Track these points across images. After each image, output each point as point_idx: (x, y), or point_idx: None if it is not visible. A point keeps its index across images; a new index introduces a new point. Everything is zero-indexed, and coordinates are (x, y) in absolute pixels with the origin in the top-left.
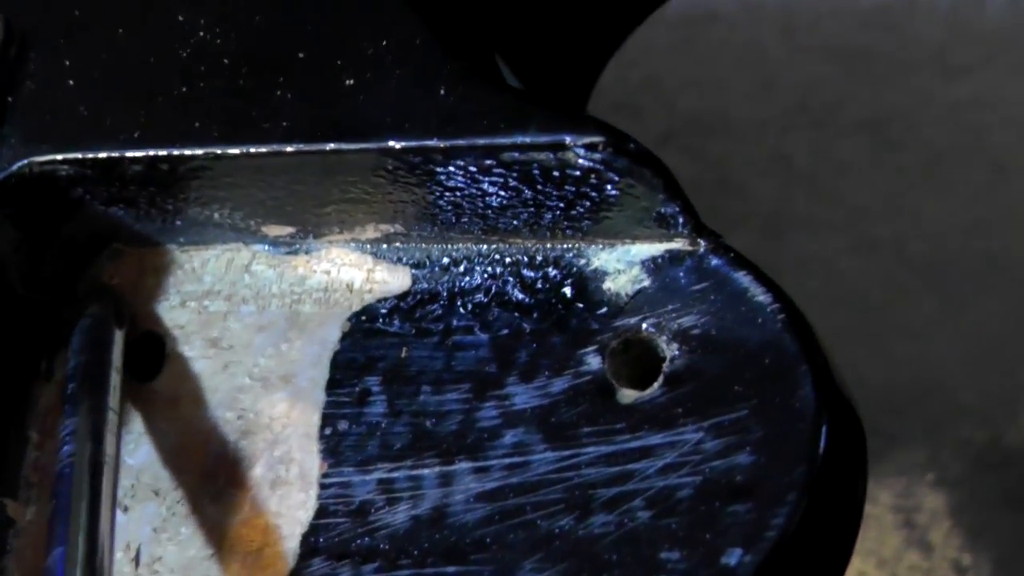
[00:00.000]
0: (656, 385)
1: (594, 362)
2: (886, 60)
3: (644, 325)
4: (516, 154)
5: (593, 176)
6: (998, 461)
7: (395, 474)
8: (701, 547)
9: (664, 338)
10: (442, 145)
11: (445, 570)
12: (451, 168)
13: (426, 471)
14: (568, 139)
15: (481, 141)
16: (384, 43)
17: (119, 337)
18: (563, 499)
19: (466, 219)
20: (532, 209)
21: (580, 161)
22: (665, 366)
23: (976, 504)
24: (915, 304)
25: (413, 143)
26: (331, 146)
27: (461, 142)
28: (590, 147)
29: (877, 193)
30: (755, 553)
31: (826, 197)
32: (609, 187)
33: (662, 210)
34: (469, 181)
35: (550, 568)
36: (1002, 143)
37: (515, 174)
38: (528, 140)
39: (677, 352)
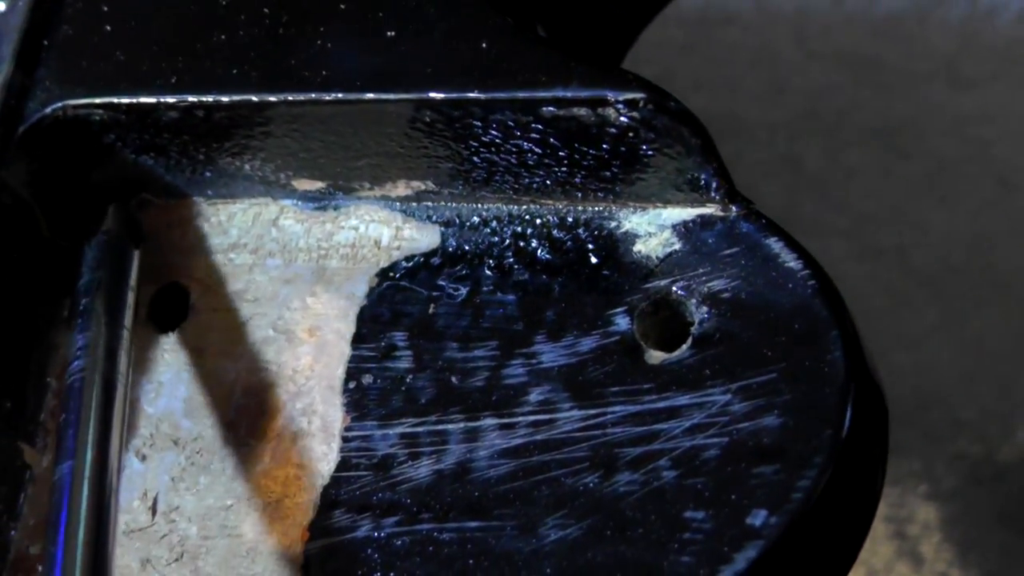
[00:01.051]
0: (685, 347)
1: (623, 323)
2: (897, 70)
3: (674, 288)
4: (556, 109)
5: (631, 134)
6: (991, 476)
7: (419, 429)
8: (726, 507)
9: (694, 301)
10: (482, 97)
11: (467, 524)
12: (489, 122)
13: (450, 426)
14: (610, 95)
15: (522, 94)
16: None
17: (135, 256)
18: (588, 457)
19: (498, 177)
20: (565, 169)
21: (620, 119)
22: (694, 328)
23: (968, 518)
24: (916, 314)
25: (453, 95)
26: (370, 96)
27: (501, 95)
28: (631, 103)
29: (883, 201)
30: (780, 515)
31: (833, 203)
32: (645, 147)
33: (696, 174)
34: (505, 137)
35: (573, 524)
36: (1008, 157)
37: (552, 131)
38: (569, 95)
39: (706, 315)
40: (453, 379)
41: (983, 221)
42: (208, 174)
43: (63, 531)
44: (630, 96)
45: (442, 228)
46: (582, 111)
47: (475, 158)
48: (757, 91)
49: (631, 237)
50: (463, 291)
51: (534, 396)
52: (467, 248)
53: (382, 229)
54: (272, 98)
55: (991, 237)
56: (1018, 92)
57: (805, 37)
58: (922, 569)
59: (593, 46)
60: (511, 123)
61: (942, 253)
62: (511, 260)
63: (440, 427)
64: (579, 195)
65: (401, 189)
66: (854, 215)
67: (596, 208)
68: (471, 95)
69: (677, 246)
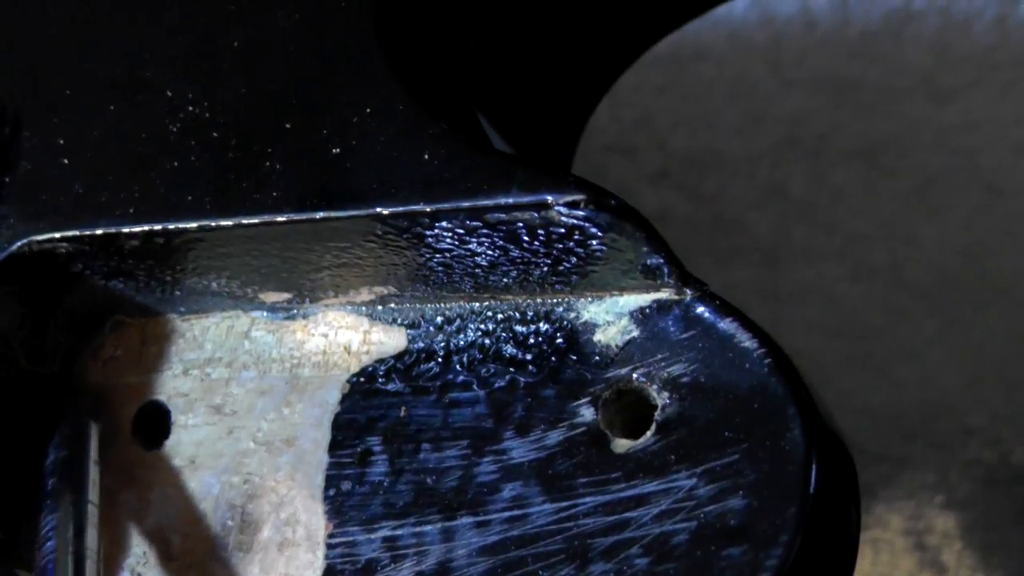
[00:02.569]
0: (649, 433)
1: (587, 413)
2: (875, 88)
3: (635, 375)
4: (500, 215)
5: (577, 232)
6: (1008, 479)
7: (399, 531)
8: None
9: (655, 387)
10: (428, 209)
11: None
12: (438, 230)
13: (429, 527)
14: (550, 198)
15: (465, 203)
16: (368, 109)
17: (95, 431)
18: (563, 549)
19: (457, 278)
20: (521, 266)
21: (563, 219)
22: (657, 414)
23: (987, 523)
24: (916, 328)
25: (400, 208)
26: (321, 214)
27: (446, 205)
28: (571, 204)
29: (873, 220)
30: None
31: (822, 226)
32: (594, 242)
33: (647, 262)
34: (457, 242)
35: None
36: (994, 164)
37: (501, 234)
38: (511, 201)
39: (668, 400)
40: (428, 480)
41: (975, 229)
42: (178, 292)
43: None
44: (570, 198)
45: (408, 330)
46: (525, 215)
47: (431, 263)
48: (736, 123)
49: (590, 327)
50: (433, 391)
51: (507, 492)
52: (434, 347)
53: (351, 335)
54: (226, 222)
55: (984, 244)
56: (999, 98)
57: (780, 65)
58: None
59: (546, 130)
60: (460, 230)
61: (936, 265)
62: (478, 356)
63: (419, 528)
64: (537, 288)
65: (365, 295)
66: (845, 236)
67: (554, 300)
68: (417, 207)
69: (635, 333)
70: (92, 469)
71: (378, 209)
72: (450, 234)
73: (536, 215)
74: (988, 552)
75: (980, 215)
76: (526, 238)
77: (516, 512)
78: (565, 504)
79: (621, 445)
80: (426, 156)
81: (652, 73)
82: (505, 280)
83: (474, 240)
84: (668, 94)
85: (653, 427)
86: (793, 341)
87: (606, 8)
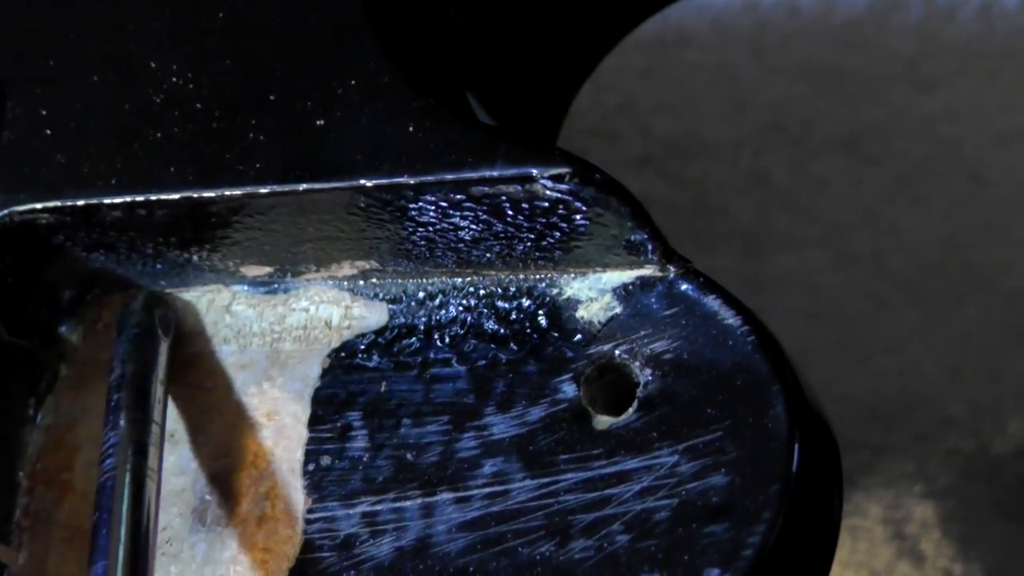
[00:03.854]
0: (631, 410)
1: (569, 389)
2: (858, 76)
3: (617, 351)
4: (484, 188)
5: (561, 206)
6: (987, 469)
7: (378, 507)
8: (680, 568)
9: (637, 363)
10: (412, 181)
11: None
12: (422, 204)
13: (408, 503)
14: (535, 171)
15: (449, 176)
16: (353, 82)
17: (164, 347)
18: (543, 526)
19: (439, 253)
20: (504, 241)
21: (547, 192)
22: (639, 391)
23: (966, 513)
24: (897, 317)
25: (384, 180)
26: (304, 186)
27: (430, 178)
28: (556, 178)
29: (855, 208)
30: (733, 572)
31: (804, 214)
32: (578, 217)
33: (631, 238)
34: (440, 216)
35: None
36: (976, 153)
37: (485, 207)
38: (495, 174)
39: (650, 377)
40: (408, 456)
41: (957, 219)
42: (159, 266)
43: None
44: (555, 171)
45: (390, 305)
46: (510, 188)
47: (414, 237)
48: (719, 109)
49: (573, 303)
50: (414, 366)
51: (487, 468)
52: (415, 323)
53: (332, 309)
54: (209, 194)
55: (966, 234)
56: (982, 88)
57: (764, 51)
58: (924, 567)
59: (532, 108)
60: (444, 203)
61: (918, 254)
62: (459, 332)
63: (398, 504)
64: (520, 264)
65: (347, 269)
66: (827, 224)
67: (537, 276)
68: (401, 180)
69: (618, 310)
70: (158, 388)
71: (362, 181)
72: (433, 207)
73: (521, 188)
74: (966, 543)
75: (962, 204)
76: (510, 212)
77: (497, 488)
78: (546, 480)
79: (603, 422)
80: (411, 128)
81: (635, 57)
82: (488, 255)
83: (457, 214)
84: (651, 79)
85: (635, 404)
86: (774, 328)
87: None
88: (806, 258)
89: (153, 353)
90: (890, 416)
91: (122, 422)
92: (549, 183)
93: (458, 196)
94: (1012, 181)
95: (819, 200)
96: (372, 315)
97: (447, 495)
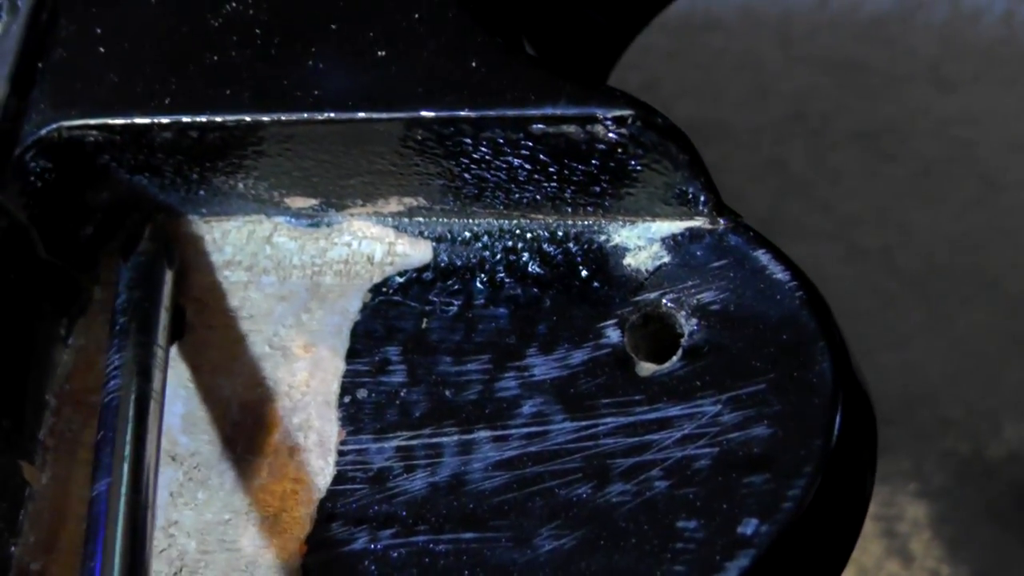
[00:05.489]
0: (675, 358)
1: (613, 335)
2: (880, 73)
3: (664, 300)
4: (545, 126)
5: (619, 150)
6: (980, 473)
7: (414, 442)
8: (718, 517)
9: (683, 313)
10: (472, 116)
11: (462, 536)
12: (479, 140)
13: (445, 439)
14: (598, 112)
15: (511, 112)
16: (416, 15)
17: (169, 276)
18: (581, 468)
19: (489, 193)
20: (555, 184)
21: (608, 135)
22: (684, 340)
23: (957, 515)
24: (903, 315)
25: (444, 113)
26: (361, 115)
27: (491, 113)
28: (619, 120)
29: (868, 203)
30: (771, 524)
31: (819, 205)
32: (634, 162)
33: (684, 188)
34: (495, 154)
35: (567, 535)
36: (991, 158)
37: (542, 148)
38: (558, 112)
39: (696, 327)
40: (447, 392)
41: (968, 221)
42: (202, 193)
43: (101, 547)
44: (618, 113)
45: (434, 243)
46: (571, 128)
47: (466, 175)
48: (742, 96)
49: (621, 251)
50: (456, 305)
51: (527, 408)
52: (459, 263)
53: (375, 245)
54: (264, 118)
55: (976, 237)
56: (1001, 93)
57: (789, 41)
58: (912, 566)
59: (582, 61)
60: (501, 140)
61: (927, 253)
62: (503, 274)
63: (435, 440)
64: (569, 209)
65: (393, 205)
66: (840, 217)
67: (586, 222)
68: (461, 113)
69: (666, 259)
70: (163, 314)
71: (422, 112)
72: (490, 144)
73: (581, 129)
74: (956, 545)
75: (974, 207)
76: (566, 154)
77: (535, 428)
78: (586, 423)
79: (646, 368)
80: (473, 64)
81: (661, 39)
82: (538, 197)
83: (512, 153)
84: (676, 61)
85: (679, 352)
86: None
87: None
88: (817, 249)
89: (159, 280)
90: (889, 413)
91: (127, 345)
92: (611, 124)
93: (516, 134)
94: None
95: (834, 192)
96: (416, 253)
97: (485, 433)
